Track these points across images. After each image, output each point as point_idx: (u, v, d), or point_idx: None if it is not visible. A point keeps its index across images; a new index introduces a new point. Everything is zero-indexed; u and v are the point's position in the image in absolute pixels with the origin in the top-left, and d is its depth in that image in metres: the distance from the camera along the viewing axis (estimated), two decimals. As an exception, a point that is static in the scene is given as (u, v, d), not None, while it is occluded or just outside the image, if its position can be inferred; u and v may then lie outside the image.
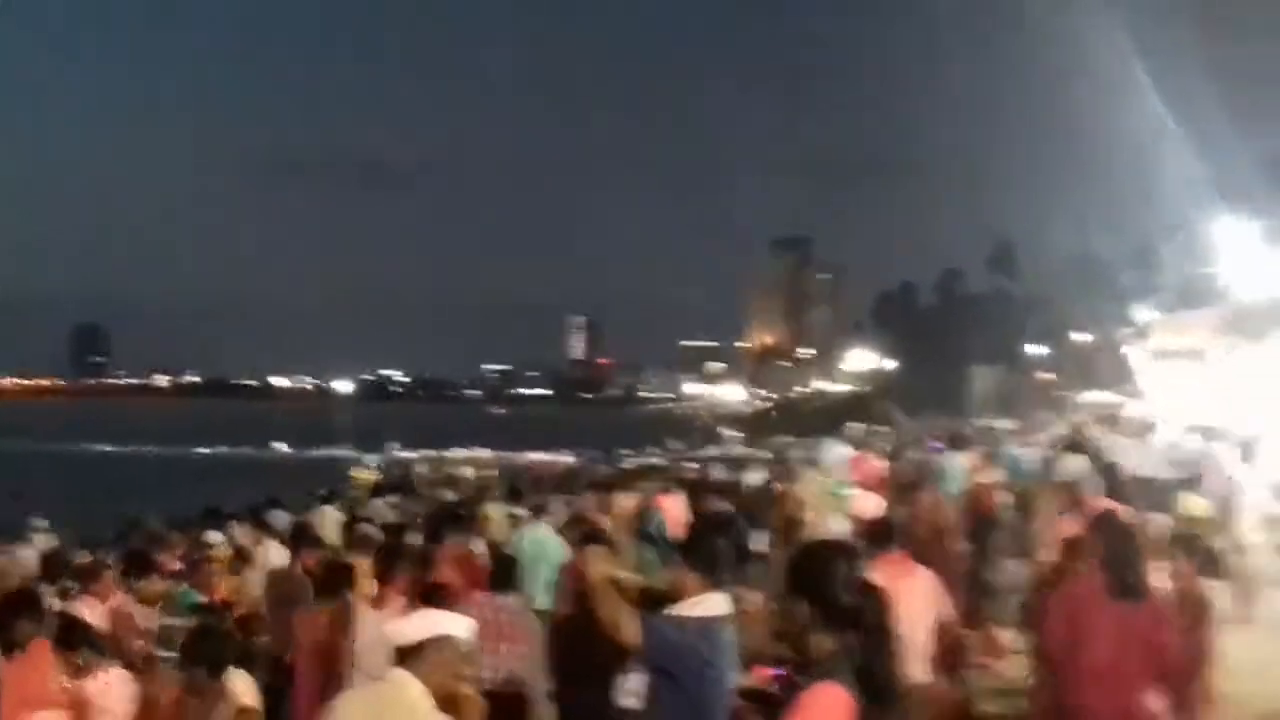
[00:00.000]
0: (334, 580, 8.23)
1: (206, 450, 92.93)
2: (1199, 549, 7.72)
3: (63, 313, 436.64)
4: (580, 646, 7.39)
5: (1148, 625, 6.34)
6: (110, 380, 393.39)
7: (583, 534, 11.25)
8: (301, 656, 7.77)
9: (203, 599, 9.61)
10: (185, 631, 6.78)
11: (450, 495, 22.13)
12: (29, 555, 14.19)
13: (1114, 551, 6.59)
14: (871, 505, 10.12)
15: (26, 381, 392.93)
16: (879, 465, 17.61)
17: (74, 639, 6.17)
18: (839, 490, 14.65)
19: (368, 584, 9.02)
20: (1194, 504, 15.45)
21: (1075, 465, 12.63)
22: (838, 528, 9.21)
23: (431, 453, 61.93)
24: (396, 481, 35.68)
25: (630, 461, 33.95)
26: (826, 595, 3.73)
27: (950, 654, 7.09)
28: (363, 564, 8.85)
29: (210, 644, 5.39)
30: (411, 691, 4.74)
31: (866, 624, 3.66)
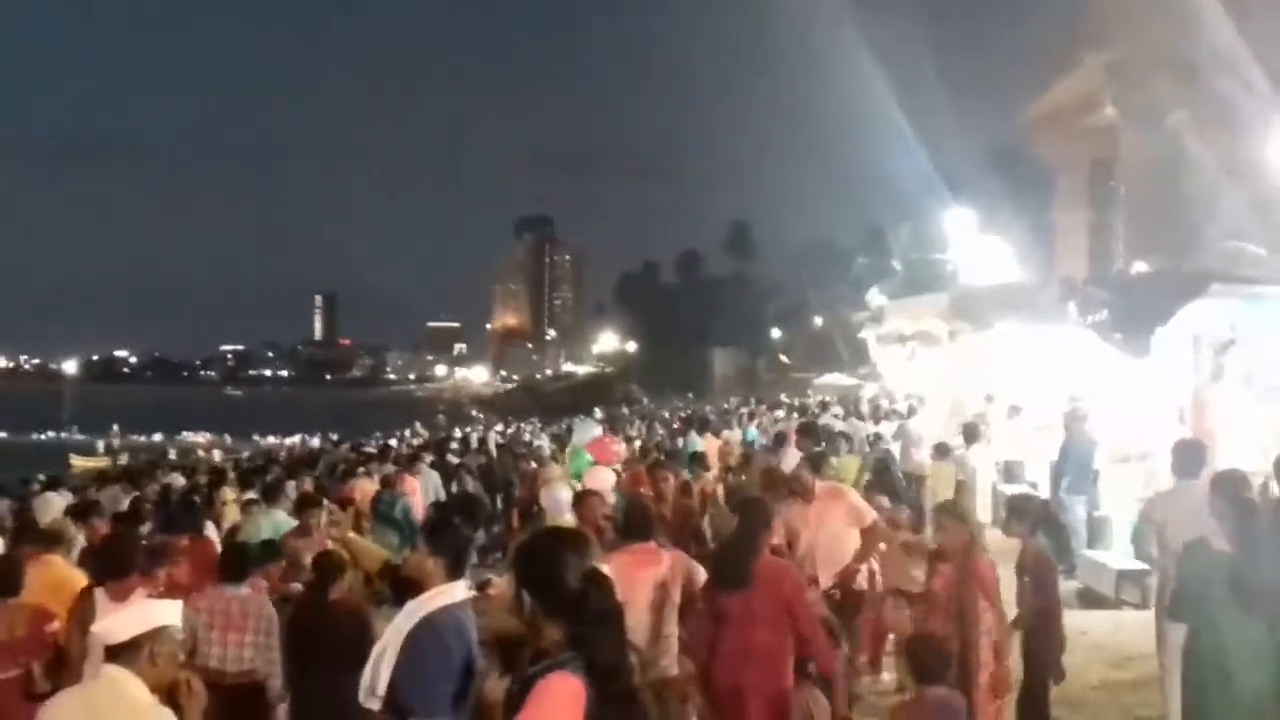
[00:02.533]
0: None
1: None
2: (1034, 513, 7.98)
3: None
4: (317, 633, 7.24)
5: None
6: None
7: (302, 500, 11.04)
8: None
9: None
10: None
11: (183, 481, 21.27)
12: None
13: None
14: (605, 480, 10.14)
15: None
16: (619, 448, 17.78)
17: None
18: (581, 466, 14.74)
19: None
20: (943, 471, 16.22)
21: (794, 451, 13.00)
22: (565, 497, 9.23)
23: (163, 436, 59.84)
24: (125, 468, 34.18)
25: (373, 445, 33.45)
26: (550, 585, 3.69)
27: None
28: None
29: None
30: (130, 688, 4.53)
31: (592, 612, 3.63)
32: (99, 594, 7.46)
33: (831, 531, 8.93)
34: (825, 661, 6.90)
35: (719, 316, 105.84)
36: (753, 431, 21.59)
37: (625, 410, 58.07)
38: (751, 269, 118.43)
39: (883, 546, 9.30)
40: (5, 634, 7.03)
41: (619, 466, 14.57)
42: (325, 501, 11.22)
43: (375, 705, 5.14)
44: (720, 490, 12.23)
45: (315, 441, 42.32)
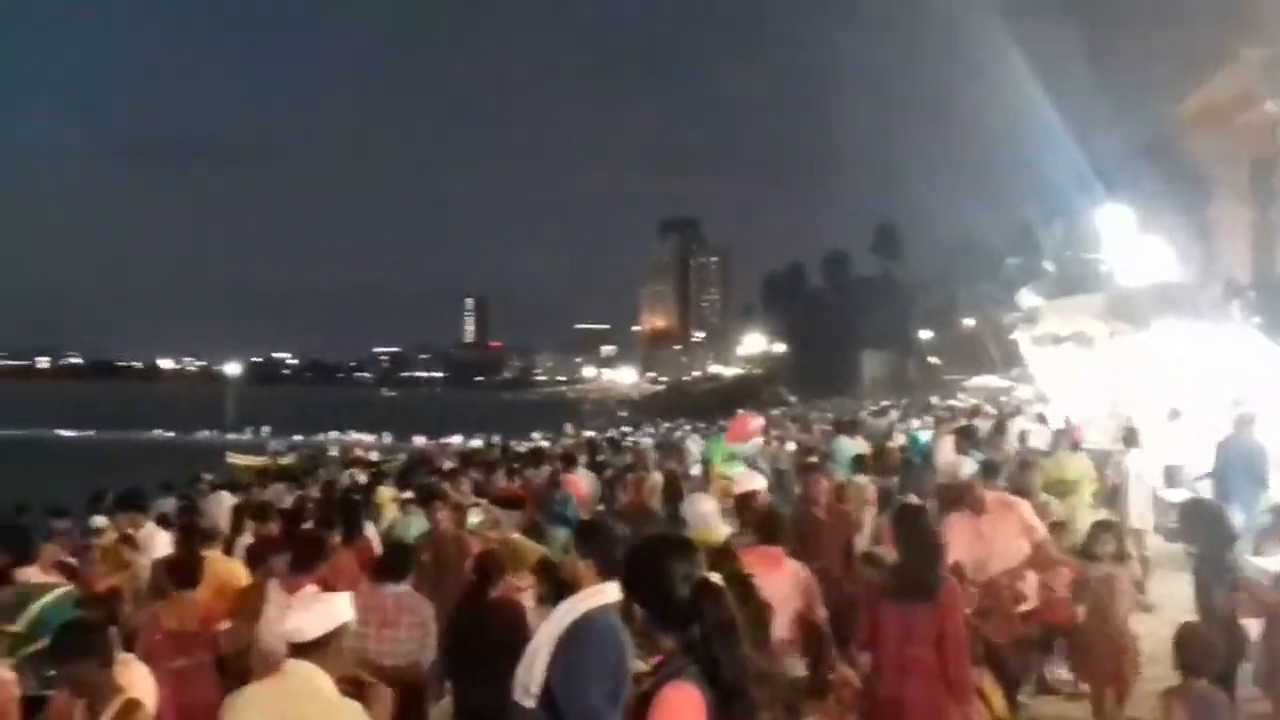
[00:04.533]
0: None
1: (89, 434, 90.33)
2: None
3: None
4: (475, 631, 7.33)
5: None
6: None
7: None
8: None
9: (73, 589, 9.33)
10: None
11: (343, 480, 21.79)
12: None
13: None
14: (754, 483, 10.13)
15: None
16: (756, 423, 17.60)
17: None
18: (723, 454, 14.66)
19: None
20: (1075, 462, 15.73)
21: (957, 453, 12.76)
22: (707, 508, 9.16)
23: (325, 436, 61.20)
24: (285, 466, 35.14)
25: (526, 445, 33.87)
26: (658, 595, 3.69)
27: (812, 649, 7.16)
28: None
29: (91, 637, 5.23)
30: (318, 681, 4.70)
31: (707, 620, 3.60)
32: (272, 588, 7.75)
33: (1003, 547, 8.64)
34: (962, 691, 6.70)
35: (866, 318, 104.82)
36: (924, 436, 20.97)
37: (774, 412, 57.71)
38: (899, 269, 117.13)
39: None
40: (178, 625, 7.31)
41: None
42: (483, 502, 11.39)
43: (530, 704, 5.17)
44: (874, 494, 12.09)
45: (477, 442, 42.80)
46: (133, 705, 5.06)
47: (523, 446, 32.66)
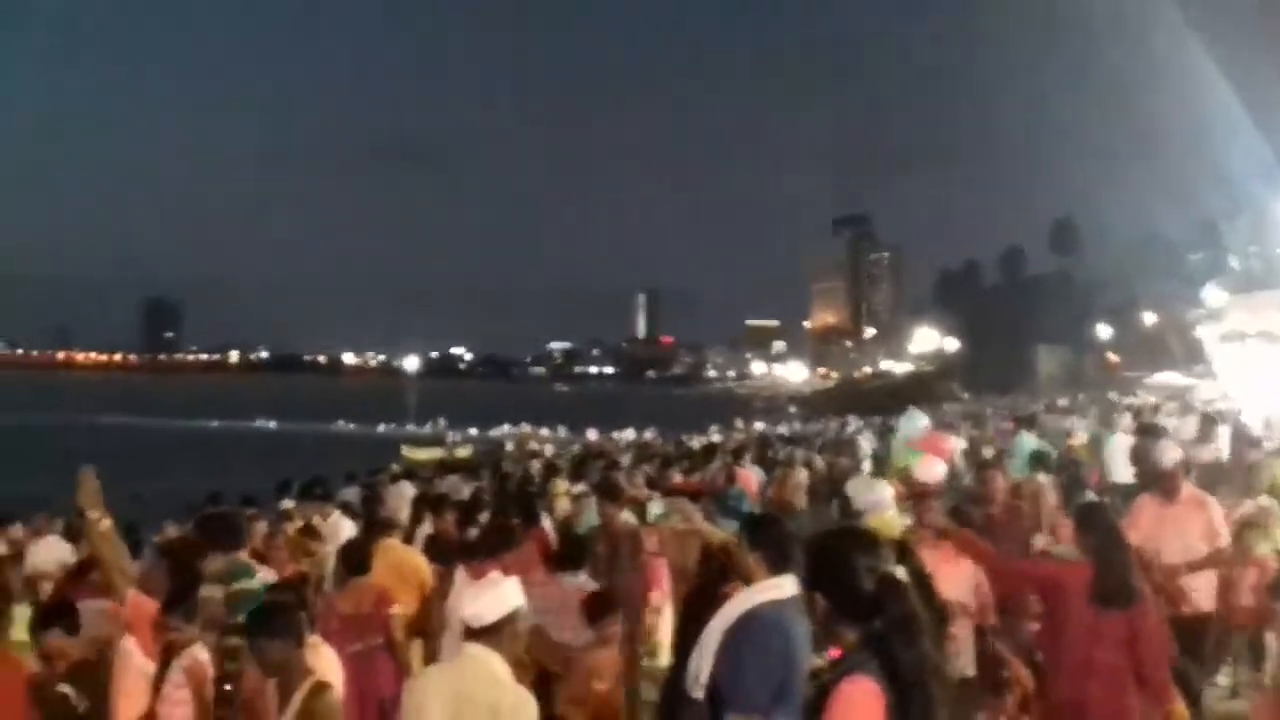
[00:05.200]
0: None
1: (275, 425, 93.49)
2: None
3: (137, 289, 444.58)
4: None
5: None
6: (182, 356, 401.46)
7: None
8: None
9: (271, 575, 9.65)
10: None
11: (518, 472, 22.15)
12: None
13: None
14: (936, 472, 9.94)
15: (100, 356, 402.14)
16: (950, 443, 17.34)
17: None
18: (907, 459, 14.42)
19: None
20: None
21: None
22: (883, 495, 8.99)
23: (499, 430, 62.18)
24: (462, 459, 35.85)
25: (698, 440, 33.98)
26: (842, 587, 3.66)
27: (986, 648, 7.01)
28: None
29: (286, 618, 5.39)
30: (494, 665, 4.82)
31: (890, 614, 3.57)
32: (459, 575, 7.93)
33: (1183, 545, 8.35)
34: (1160, 693, 6.48)
35: (1042, 314, 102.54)
36: (1117, 435, 20.16)
37: (947, 409, 56.74)
38: (1076, 266, 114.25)
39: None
40: (353, 610, 7.52)
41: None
42: (656, 495, 11.44)
43: (699, 694, 5.21)
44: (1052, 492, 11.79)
45: (651, 434, 43.06)
46: (322, 687, 5.19)
47: (695, 441, 32.76)
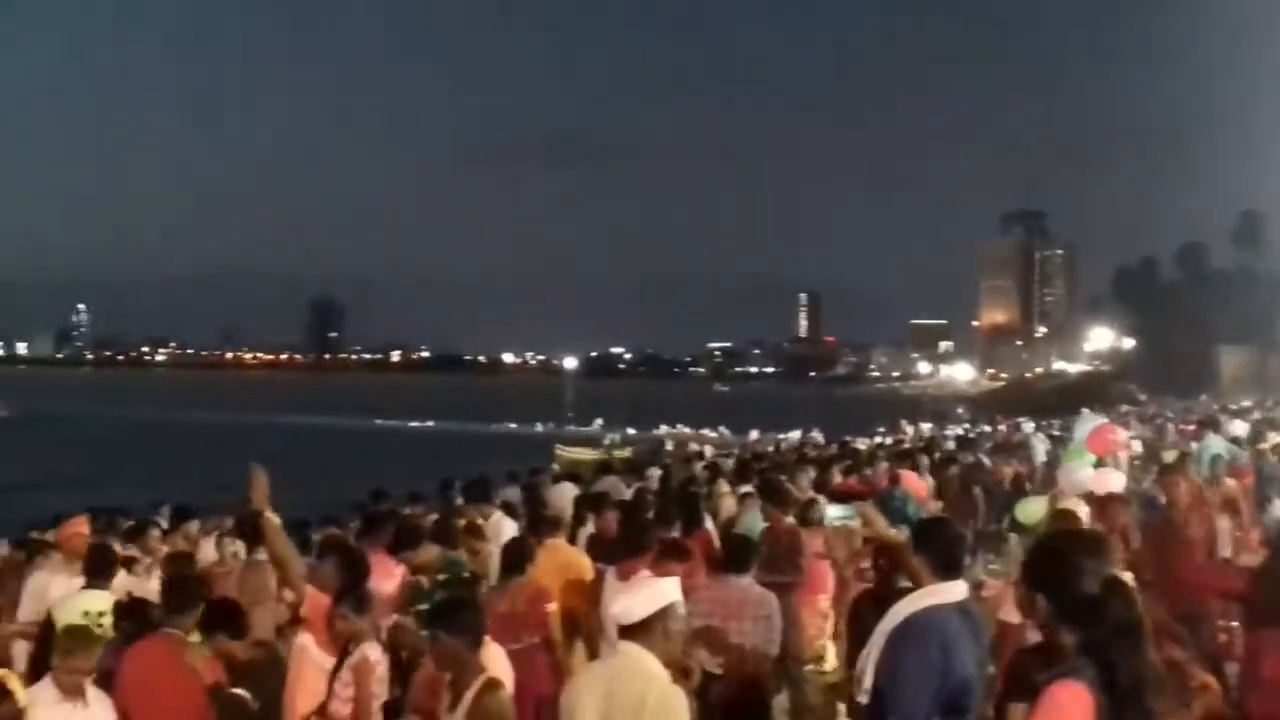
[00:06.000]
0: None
1: (435, 424, 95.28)
2: None
3: (301, 290, 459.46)
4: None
5: None
6: (345, 355, 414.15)
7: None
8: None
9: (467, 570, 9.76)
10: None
11: (680, 473, 22.08)
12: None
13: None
14: (1112, 483, 9.56)
15: (266, 355, 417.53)
16: (1120, 436, 16.73)
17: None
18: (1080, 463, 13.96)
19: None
20: None
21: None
22: (1085, 475, 8.69)
23: (663, 429, 62.42)
24: (623, 458, 35.96)
25: (863, 441, 33.57)
26: (1066, 589, 3.63)
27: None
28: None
29: (464, 616, 5.43)
30: (646, 663, 4.79)
31: (1112, 620, 3.47)
32: (609, 575, 7.90)
33: None
34: None
35: (1225, 312, 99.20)
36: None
37: (1123, 409, 55.10)
38: (1262, 261, 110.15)
39: None
40: (508, 608, 7.53)
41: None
42: (821, 497, 11.27)
43: (863, 700, 5.14)
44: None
45: (818, 434, 42.72)
46: (494, 684, 5.24)
47: (859, 443, 32.37)
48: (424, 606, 7.54)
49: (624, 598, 5.10)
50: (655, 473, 19.24)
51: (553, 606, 7.88)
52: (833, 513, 10.10)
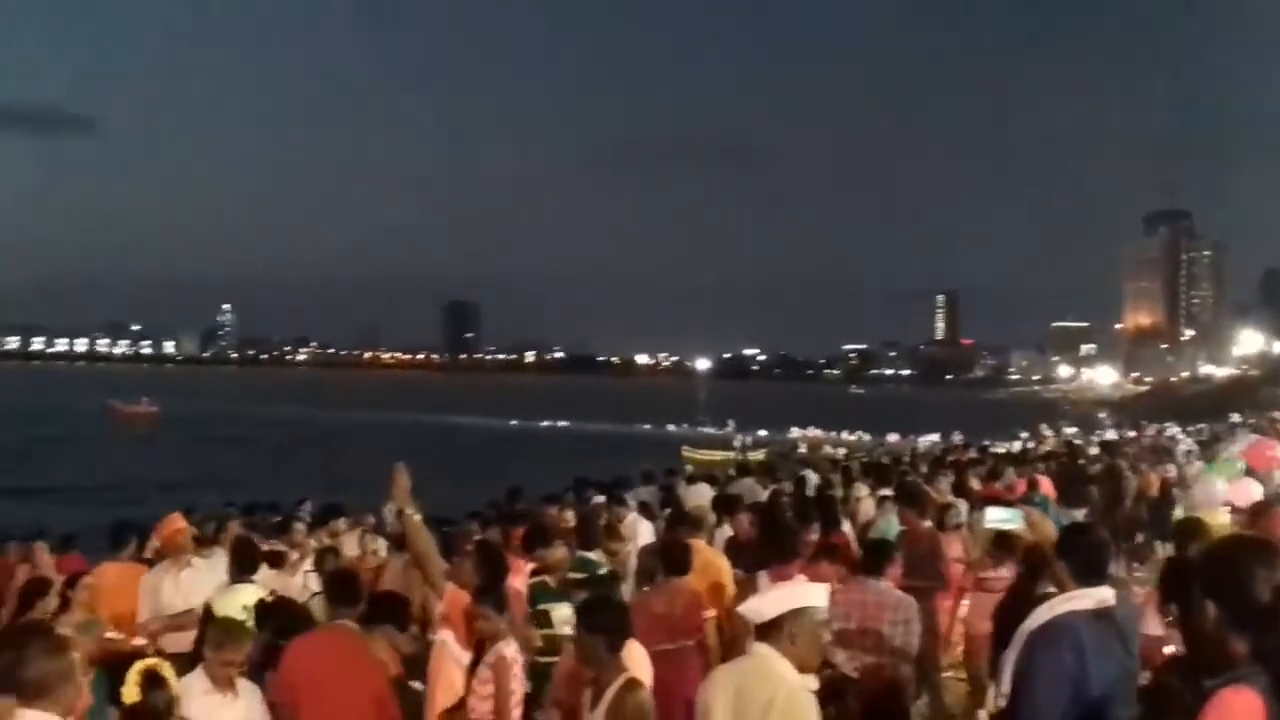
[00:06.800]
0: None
1: (568, 424, 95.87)
2: None
3: (438, 291, 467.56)
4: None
5: None
6: (481, 355, 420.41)
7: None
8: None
9: (605, 568, 9.82)
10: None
11: (814, 476, 21.96)
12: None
13: None
14: (1251, 494, 9.25)
15: (404, 355, 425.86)
16: (1277, 451, 16.19)
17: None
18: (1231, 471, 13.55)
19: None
20: None
21: None
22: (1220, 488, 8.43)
23: (799, 432, 62.05)
24: (761, 462, 35.86)
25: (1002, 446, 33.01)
26: (1238, 595, 3.53)
27: None
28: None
29: (609, 616, 5.46)
30: (776, 665, 4.76)
31: None
32: (761, 578, 7.89)
33: None
34: None
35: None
36: None
37: (1275, 415, 53.29)
38: None
39: None
40: (665, 609, 7.54)
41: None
42: (960, 501, 11.11)
43: (1000, 703, 5.08)
44: None
45: (959, 437, 42.13)
46: (634, 684, 5.26)
47: (998, 447, 31.87)
48: (545, 606, 7.66)
49: (756, 598, 5.12)
50: (812, 476, 19.01)
51: (711, 613, 7.90)
52: (994, 515, 9.92)
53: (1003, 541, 8.74)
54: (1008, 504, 9.43)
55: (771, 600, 4.94)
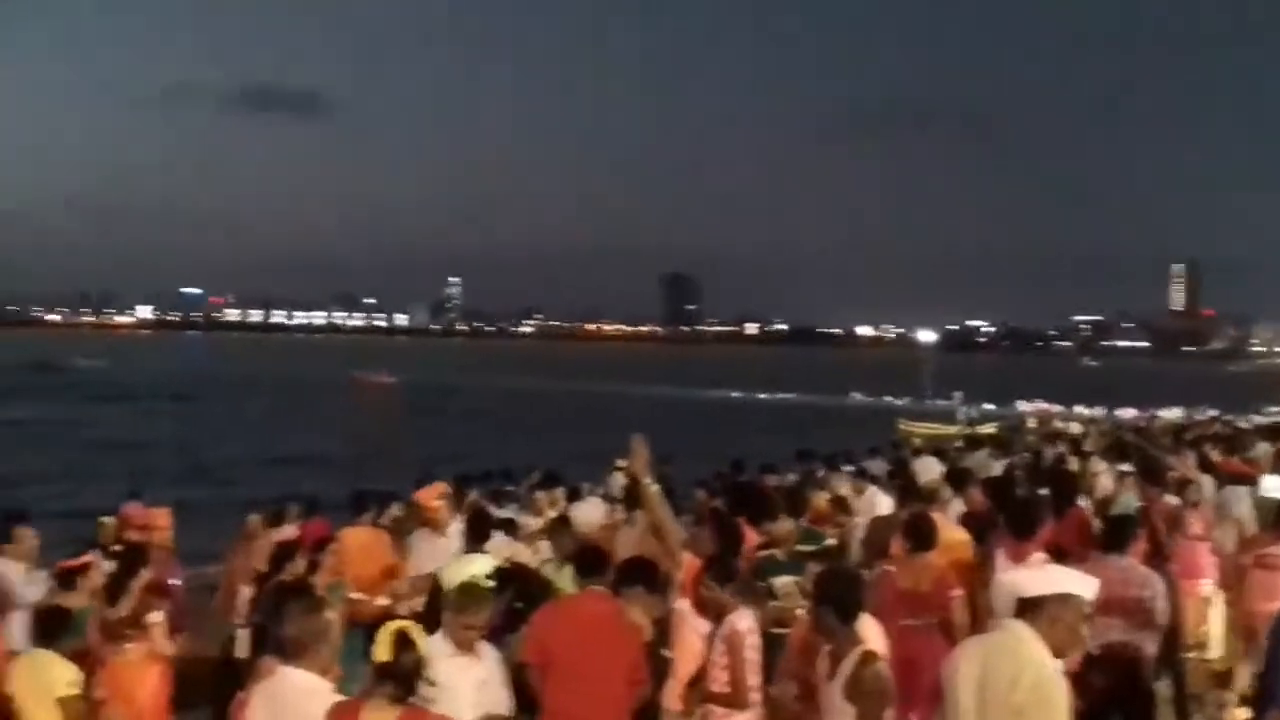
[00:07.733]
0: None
1: (792, 397, 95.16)
2: None
3: (660, 264, 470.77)
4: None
5: None
6: (702, 327, 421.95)
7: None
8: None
9: (830, 540, 9.78)
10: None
11: (1048, 451, 21.40)
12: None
13: None
14: None
15: (628, 327, 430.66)
16: None
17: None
18: None
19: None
20: None
21: None
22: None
23: (1020, 406, 60.46)
24: (993, 435, 35.15)
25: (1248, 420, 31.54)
26: None
27: None
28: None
29: (841, 587, 5.46)
30: (1027, 644, 4.62)
31: None
32: (999, 556, 7.78)
33: None
34: None
35: None
36: None
37: None
38: None
39: None
40: (911, 585, 7.46)
41: None
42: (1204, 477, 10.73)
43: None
44: None
45: (1205, 414, 40.36)
46: (871, 657, 5.27)
47: (1242, 422, 30.50)
48: (775, 579, 7.66)
49: (1023, 571, 5.04)
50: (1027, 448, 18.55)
51: (958, 591, 7.79)
52: (1272, 484, 9.56)
53: None
54: (1252, 480, 9.09)
55: (1040, 578, 4.80)
